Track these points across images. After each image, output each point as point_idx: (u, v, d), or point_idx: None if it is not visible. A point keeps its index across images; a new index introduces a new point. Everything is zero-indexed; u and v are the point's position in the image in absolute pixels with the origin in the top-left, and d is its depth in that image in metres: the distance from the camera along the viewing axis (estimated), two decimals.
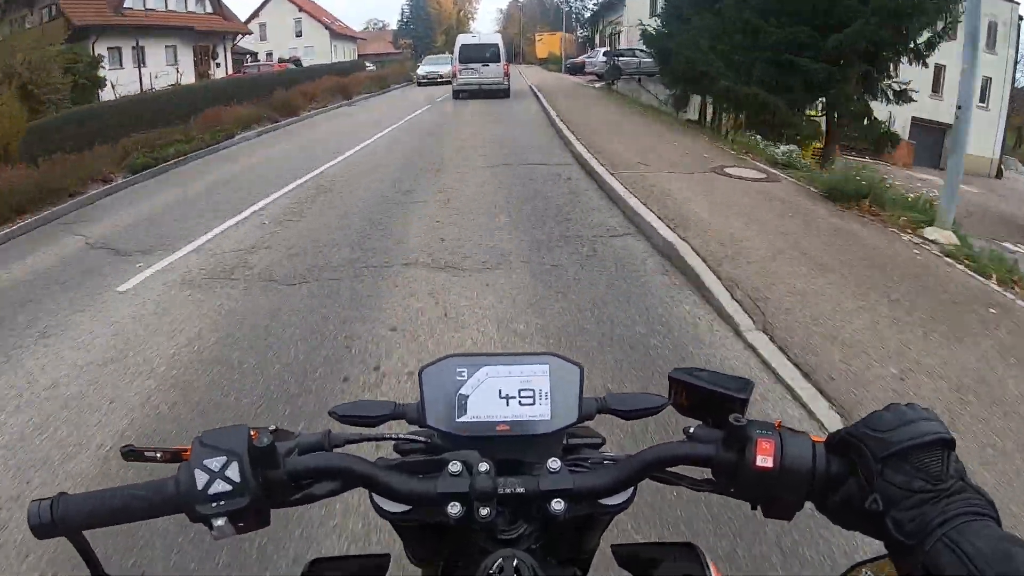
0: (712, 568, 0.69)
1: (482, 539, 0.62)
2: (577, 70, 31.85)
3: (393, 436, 0.70)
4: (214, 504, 0.55)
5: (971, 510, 0.48)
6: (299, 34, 48.79)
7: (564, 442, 0.72)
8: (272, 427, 0.63)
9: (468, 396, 0.67)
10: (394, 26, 69.93)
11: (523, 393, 0.67)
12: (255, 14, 48.01)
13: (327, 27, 49.00)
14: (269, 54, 48.12)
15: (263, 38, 48.24)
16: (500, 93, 18.51)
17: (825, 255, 4.80)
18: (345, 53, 51.96)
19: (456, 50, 19.18)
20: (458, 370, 0.68)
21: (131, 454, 0.65)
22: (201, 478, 0.56)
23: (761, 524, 2.00)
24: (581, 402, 0.68)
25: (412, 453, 0.71)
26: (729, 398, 0.61)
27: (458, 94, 18.80)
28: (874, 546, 0.53)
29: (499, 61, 18.67)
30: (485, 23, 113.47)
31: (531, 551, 0.59)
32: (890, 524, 0.49)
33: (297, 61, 39.10)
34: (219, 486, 0.55)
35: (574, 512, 0.61)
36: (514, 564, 0.55)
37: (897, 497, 0.50)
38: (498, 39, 19.77)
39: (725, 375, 0.63)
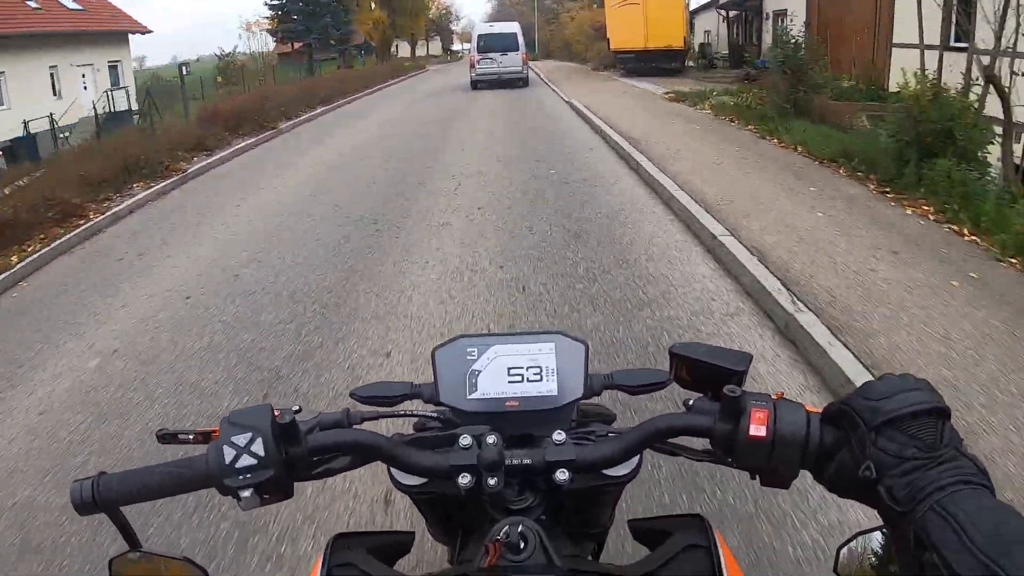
0: (718, 537, 0.71)
1: (493, 510, 0.66)
2: None
3: (407, 413, 0.74)
4: (241, 477, 0.59)
5: (963, 478, 0.48)
6: None
7: (574, 417, 0.75)
8: (296, 407, 0.66)
9: (478, 374, 0.70)
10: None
11: (531, 370, 0.70)
12: None
13: None
14: None
15: None
16: (519, 82, 18.64)
17: None
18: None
19: (474, 40, 19.55)
20: (468, 349, 0.71)
21: (166, 437, 0.71)
22: (229, 453, 0.59)
23: None
24: (587, 378, 0.71)
25: (428, 430, 0.74)
26: (727, 371, 0.63)
27: (476, 84, 18.89)
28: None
29: (517, 50, 18.81)
30: None
31: (539, 522, 0.62)
32: (883, 491, 0.50)
33: None
34: (245, 460, 0.59)
35: (580, 483, 0.64)
36: (519, 530, 0.58)
37: (889, 465, 0.50)
38: (516, 28, 19.70)
39: (724, 349, 0.65)
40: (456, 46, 64.53)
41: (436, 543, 0.87)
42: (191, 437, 0.70)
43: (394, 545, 0.80)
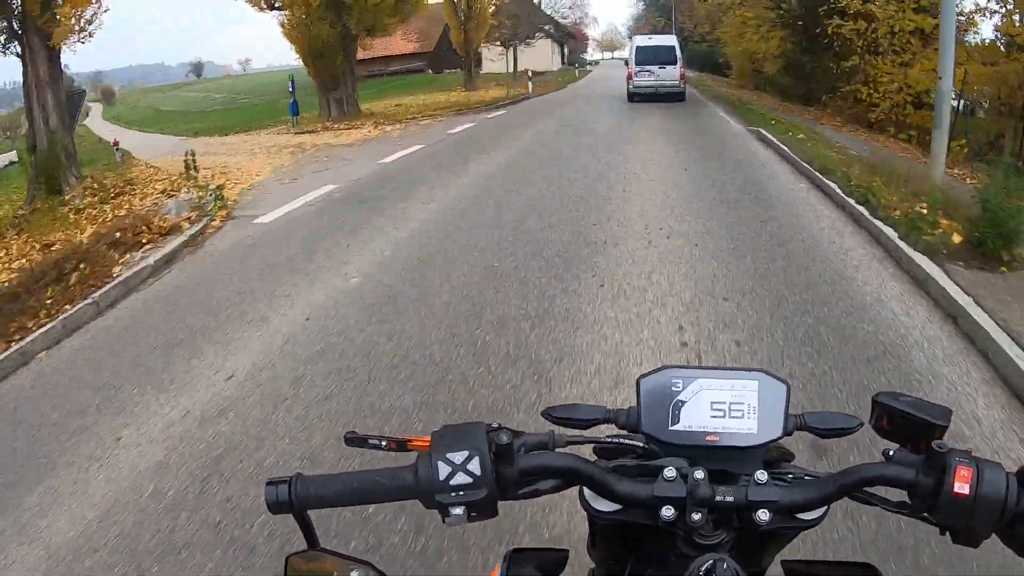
0: None
1: (683, 543, 0.67)
2: None
3: (611, 440, 0.74)
4: (453, 494, 0.59)
5: None
6: None
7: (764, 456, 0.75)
8: (496, 424, 0.68)
9: (683, 405, 0.71)
10: None
11: (733, 406, 0.71)
12: None
13: None
14: None
15: None
16: (676, 96, 18.06)
17: None
18: None
19: (632, 52, 19.23)
20: (673, 380, 0.72)
21: (354, 440, 0.71)
22: (443, 470, 0.59)
23: None
24: (786, 419, 0.70)
25: (615, 457, 0.76)
26: (930, 424, 0.63)
27: (633, 97, 18.51)
28: None
29: (675, 64, 18.18)
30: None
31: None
32: None
33: None
34: (460, 478, 0.59)
35: (774, 524, 0.64)
36: (724, 567, 0.59)
37: None
38: (674, 41, 19.40)
39: (926, 402, 0.65)
40: (594, 55, 50.95)
41: (585, 560, 0.86)
42: (383, 444, 0.69)
43: (554, 563, 0.82)
